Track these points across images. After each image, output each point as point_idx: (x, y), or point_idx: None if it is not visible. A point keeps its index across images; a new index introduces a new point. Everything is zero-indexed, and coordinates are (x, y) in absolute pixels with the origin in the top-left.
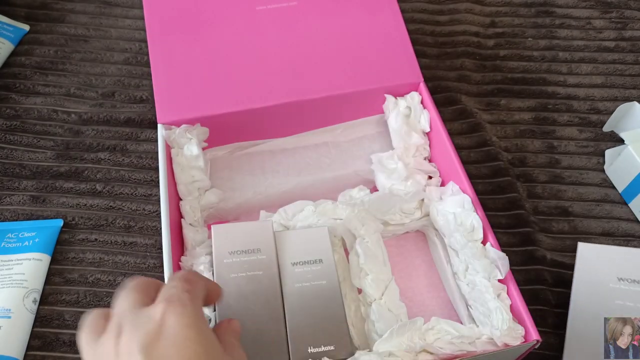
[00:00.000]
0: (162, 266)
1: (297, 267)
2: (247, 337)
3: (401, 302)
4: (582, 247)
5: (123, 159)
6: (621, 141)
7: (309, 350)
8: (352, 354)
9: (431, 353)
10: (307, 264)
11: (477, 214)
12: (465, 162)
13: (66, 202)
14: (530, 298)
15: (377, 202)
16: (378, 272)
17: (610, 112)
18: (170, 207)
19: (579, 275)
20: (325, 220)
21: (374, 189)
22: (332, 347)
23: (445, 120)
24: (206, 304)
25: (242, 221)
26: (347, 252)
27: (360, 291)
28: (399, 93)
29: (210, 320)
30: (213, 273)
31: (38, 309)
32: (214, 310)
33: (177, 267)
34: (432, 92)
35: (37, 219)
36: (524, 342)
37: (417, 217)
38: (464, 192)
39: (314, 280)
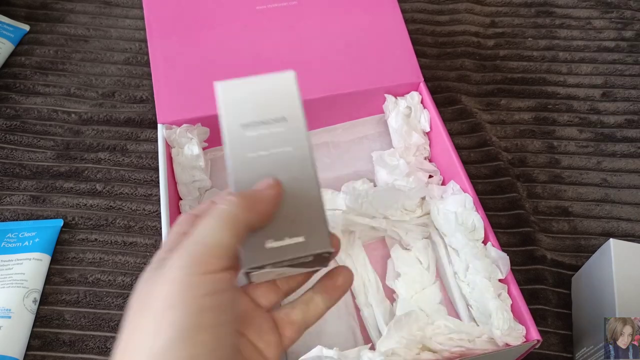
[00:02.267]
0: None
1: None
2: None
3: (441, 306)
4: (613, 243)
5: (123, 159)
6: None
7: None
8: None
9: (432, 351)
10: (264, 125)
11: (478, 214)
12: (465, 162)
13: (66, 202)
14: (530, 298)
15: (381, 195)
16: (415, 275)
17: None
18: (171, 207)
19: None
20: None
21: None
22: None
23: (445, 120)
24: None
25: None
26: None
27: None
28: (399, 93)
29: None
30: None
31: (38, 309)
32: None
33: None
34: (432, 92)
35: (37, 219)
36: (524, 341)
37: (417, 215)
38: (464, 192)
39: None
